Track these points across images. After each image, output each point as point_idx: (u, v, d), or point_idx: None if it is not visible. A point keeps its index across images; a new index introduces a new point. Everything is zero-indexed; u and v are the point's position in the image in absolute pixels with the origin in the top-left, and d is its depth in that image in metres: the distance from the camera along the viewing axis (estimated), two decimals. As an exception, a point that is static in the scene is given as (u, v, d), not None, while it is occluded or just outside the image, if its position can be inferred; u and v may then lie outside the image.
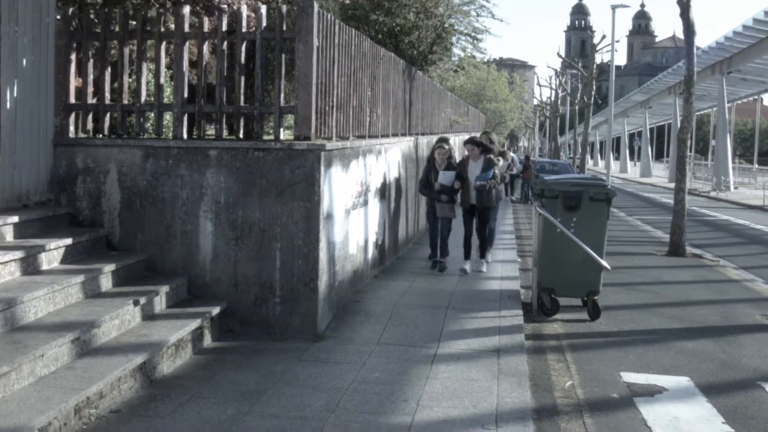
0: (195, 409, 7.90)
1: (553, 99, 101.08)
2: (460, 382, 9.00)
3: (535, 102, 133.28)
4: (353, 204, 12.67)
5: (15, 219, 9.71)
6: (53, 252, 9.65)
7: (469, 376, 9.21)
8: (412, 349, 10.10)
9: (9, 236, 9.62)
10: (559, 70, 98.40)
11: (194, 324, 9.61)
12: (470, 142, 16.32)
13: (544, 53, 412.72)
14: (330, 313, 11.28)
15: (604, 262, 12.46)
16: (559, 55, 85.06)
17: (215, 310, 10.23)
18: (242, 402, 8.14)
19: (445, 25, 35.15)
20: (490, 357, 9.96)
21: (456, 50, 42.52)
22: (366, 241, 13.95)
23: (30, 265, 9.19)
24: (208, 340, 10.08)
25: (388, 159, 16.08)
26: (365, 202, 13.70)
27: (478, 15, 36.05)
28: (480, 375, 9.25)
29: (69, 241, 9.91)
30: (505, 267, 16.99)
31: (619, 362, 10.71)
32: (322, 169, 10.56)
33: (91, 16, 11.71)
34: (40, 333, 7.97)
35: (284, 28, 11.30)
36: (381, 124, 15.81)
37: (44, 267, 9.47)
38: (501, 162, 20.17)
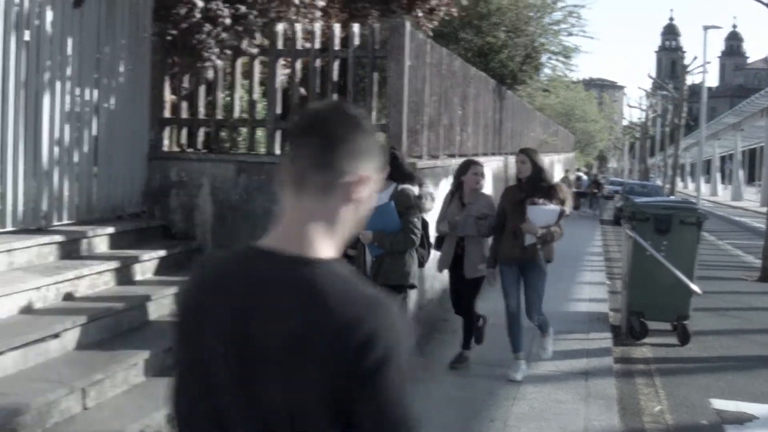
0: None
1: (643, 120, 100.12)
2: (548, 404, 8.97)
3: (625, 123, 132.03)
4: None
5: (110, 230, 9.91)
6: (147, 263, 9.82)
7: (556, 397, 9.18)
8: (499, 369, 10.07)
9: (104, 247, 9.82)
10: (649, 91, 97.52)
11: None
12: (523, 152, 10.16)
13: (634, 74, 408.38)
14: (418, 331, 11.29)
15: (694, 286, 12.30)
16: (650, 76, 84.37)
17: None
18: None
19: (535, 44, 35.04)
20: (578, 379, 9.91)
21: (546, 69, 42.39)
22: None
23: (124, 276, 9.36)
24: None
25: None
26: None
27: (569, 33, 35.93)
28: (568, 397, 9.22)
29: (162, 253, 10.07)
30: (593, 289, 16.87)
31: (708, 388, 10.58)
32: (416, 188, 10.59)
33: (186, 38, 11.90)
34: (134, 342, 8.11)
35: (376, 46, 11.39)
36: (471, 143, 15.84)
37: (138, 278, 9.64)
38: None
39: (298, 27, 11.60)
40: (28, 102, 9.09)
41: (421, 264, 9.14)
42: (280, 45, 11.59)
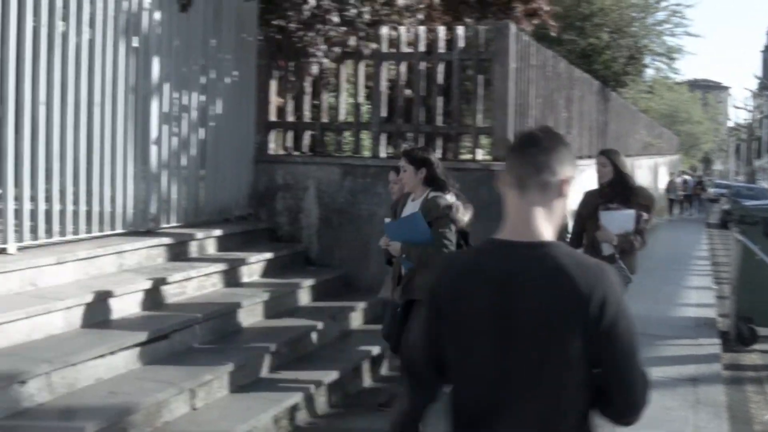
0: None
1: (749, 121, 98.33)
2: (656, 411, 8.74)
3: (730, 124, 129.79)
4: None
5: (218, 232, 10.02)
6: (254, 265, 9.90)
7: (664, 404, 9.01)
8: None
9: (212, 249, 9.92)
10: (755, 91, 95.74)
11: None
12: (604, 153, 9.21)
13: (739, 75, 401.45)
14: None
15: (806, 292, 11.98)
16: (756, 77, 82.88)
17: (410, 328, 10.28)
18: (442, 420, 8.17)
19: (639, 45, 34.58)
20: (687, 386, 9.72)
21: (649, 71, 41.82)
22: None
23: (232, 278, 9.44)
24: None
25: (583, 181, 15.88)
26: (560, 224, 13.56)
27: (672, 34, 35.41)
28: (676, 404, 9.05)
29: (269, 255, 10.14)
30: (700, 293, 16.59)
31: (821, 397, 10.31)
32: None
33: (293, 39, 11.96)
34: (241, 344, 8.17)
35: (481, 49, 11.33)
36: (576, 145, 15.68)
37: (245, 279, 9.71)
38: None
39: (403, 30, 11.59)
40: (137, 106, 9.22)
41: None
42: (384, 48, 11.59)
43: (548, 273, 2.85)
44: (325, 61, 11.36)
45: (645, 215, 8.60)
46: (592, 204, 8.79)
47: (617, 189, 8.69)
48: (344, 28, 11.07)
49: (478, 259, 3.08)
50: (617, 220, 8.55)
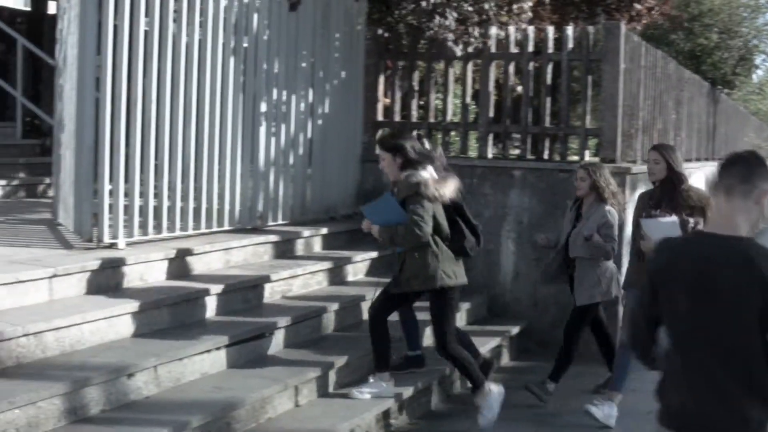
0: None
1: None
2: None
3: None
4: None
5: (324, 231, 10.07)
6: (359, 264, 9.93)
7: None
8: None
9: (317, 247, 9.98)
10: None
11: (494, 342, 9.65)
12: (656, 149, 8.38)
13: None
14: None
15: None
16: None
17: (514, 330, 10.26)
18: (539, 423, 8.11)
19: (749, 46, 33.95)
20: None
21: (759, 71, 41.02)
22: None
23: (337, 276, 9.49)
24: (505, 359, 10.10)
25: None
26: (668, 228, 13.34)
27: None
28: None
29: (374, 254, 10.14)
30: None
31: None
32: (627, 192, 10.39)
33: (402, 38, 11.99)
34: (345, 342, 8.20)
35: (590, 49, 11.22)
36: (685, 147, 15.43)
37: (350, 278, 9.75)
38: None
39: (512, 30, 11.53)
40: (245, 105, 9.31)
41: (467, 255, 7.86)
42: (493, 48, 11.54)
43: (741, 260, 3.72)
44: (457, 52, 11.35)
45: (691, 221, 7.71)
46: (642, 208, 8.16)
47: (667, 190, 7.94)
48: (453, 28, 11.05)
49: (686, 245, 4.09)
50: (660, 228, 7.45)
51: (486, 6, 11.19)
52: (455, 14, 10.85)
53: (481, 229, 8.06)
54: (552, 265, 8.92)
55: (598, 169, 8.64)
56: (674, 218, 7.56)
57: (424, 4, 10.69)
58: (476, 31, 11.25)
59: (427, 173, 7.44)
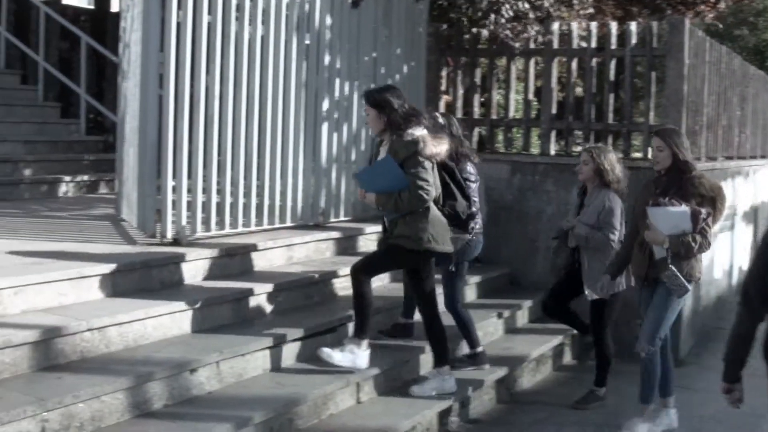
0: (554, 427, 7.87)
1: None
2: None
3: None
4: (720, 227, 12.25)
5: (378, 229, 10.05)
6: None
7: None
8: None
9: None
10: None
11: (556, 340, 9.59)
12: (659, 134, 7.71)
13: None
14: (692, 339, 10.94)
15: None
16: None
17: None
18: (601, 422, 8.04)
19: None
20: None
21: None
22: (731, 266, 13.47)
23: (398, 273, 9.40)
24: (567, 357, 10.03)
25: (756, 182, 15.46)
26: (731, 226, 13.21)
27: None
28: None
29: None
30: None
31: None
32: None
33: (464, 34, 11.95)
34: (407, 339, 8.17)
35: (654, 45, 11.10)
36: (750, 144, 15.26)
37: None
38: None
39: (575, 26, 11.45)
40: (308, 102, 9.31)
41: (459, 219, 7.47)
42: (555, 44, 11.47)
43: None
44: (516, 46, 11.32)
45: (703, 211, 7.17)
46: (645, 198, 7.45)
47: (674, 178, 7.31)
48: (515, 24, 11.01)
49: None
50: (669, 218, 7.17)
51: (545, 3, 11.12)
52: (511, 12, 10.79)
53: (473, 193, 7.73)
54: (558, 254, 8.75)
55: (602, 152, 8.30)
56: (685, 207, 7.14)
57: (479, 6, 10.65)
58: (533, 29, 11.19)
59: (423, 131, 7.07)
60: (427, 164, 6.97)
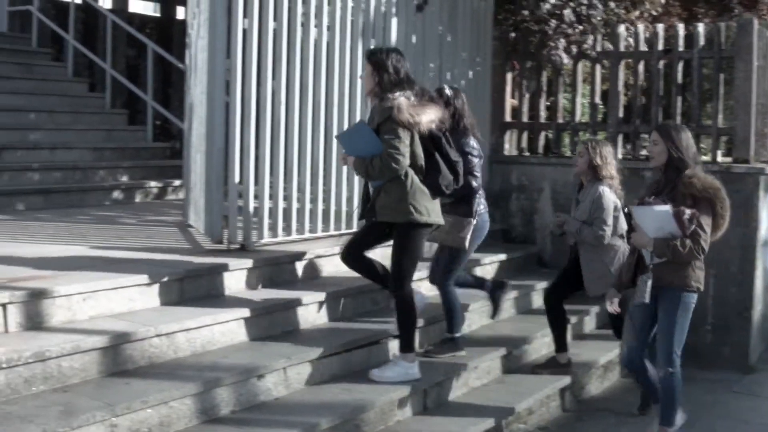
0: (622, 434, 7.82)
1: None
2: None
3: None
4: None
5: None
6: (487, 266, 9.86)
7: None
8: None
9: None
10: None
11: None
12: (657, 129, 7.17)
13: None
14: (762, 344, 10.78)
15: None
16: None
17: (645, 334, 10.06)
18: (672, 430, 7.95)
19: None
20: None
21: None
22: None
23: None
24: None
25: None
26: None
27: None
28: None
29: (503, 256, 10.10)
30: None
31: None
32: (761, 194, 10.14)
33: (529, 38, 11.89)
34: (474, 346, 8.11)
35: (722, 47, 10.96)
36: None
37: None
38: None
39: (641, 28, 11.34)
40: (374, 107, 9.30)
41: (443, 193, 6.91)
42: (621, 47, 11.37)
43: None
44: (564, 59, 11.24)
45: (687, 212, 6.46)
46: (641, 197, 7.02)
47: (670, 176, 6.75)
48: (580, 27, 10.94)
49: None
50: (653, 219, 6.60)
51: (611, 5, 11.03)
52: (573, 17, 10.71)
53: (461, 166, 7.00)
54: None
55: (597, 146, 8.01)
56: (666, 207, 6.52)
57: (544, 9, 10.59)
58: (590, 37, 11.10)
59: (403, 97, 6.72)
60: (403, 132, 6.64)
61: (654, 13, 11.80)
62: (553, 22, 10.71)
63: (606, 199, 7.86)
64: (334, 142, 8.70)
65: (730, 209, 6.75)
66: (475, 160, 7.62)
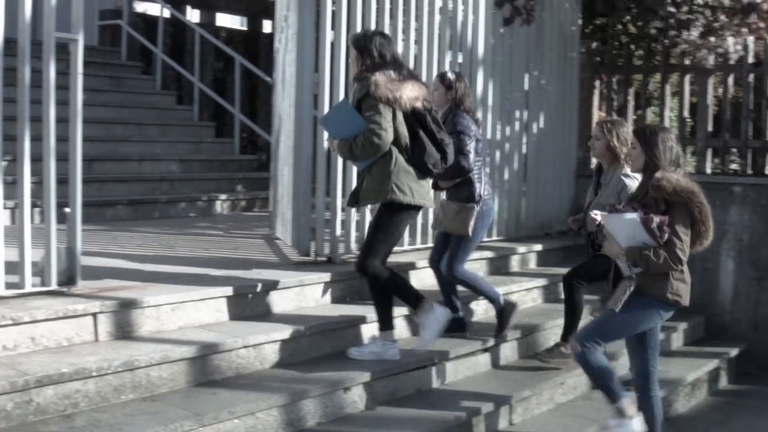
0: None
1: None
2: None
3: None
4: None
5: (538, 247, 9.99)
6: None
7: None
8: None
9: (532, 263, 9.92)
10: None
11: (711, 364, 9.34)
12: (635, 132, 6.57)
13: None
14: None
15: None
16: None
17: (733, 352, 9.90)
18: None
19: None
20: None
21: None
22: None
23: (551, 293, 9.35)
24: (723, 382, 9.76)
25: None
26: None
27: None
28: None
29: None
30: None
31: None
32: None
33: (614, 51, 11.81)
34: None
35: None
36: None
37: (564, 296, 9.59)
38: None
39: (730, 41, 11.17)
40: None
41: (430, 172, 6.70)
42: (711, 61, 11.22)
43: None
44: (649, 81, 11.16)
45: (656, 219, 5.87)
46: (611, 204, 6.62)
47: (646, 180, 6.18)
48: (667, 42, 10.84)
49: None
50: (624, 227, 6.03)
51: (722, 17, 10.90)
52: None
53: (447, 144, 6.72)
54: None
55: (613, 126, 7.49)
56: (632, 215, 5.94)
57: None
58: (727, 43, 10.97)
59: (382, 74, 6.50)
60: (383, 108, 6.41)
61: (762, 25, 11.56)
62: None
63: (634, 182, 7.16)
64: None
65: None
66: (467, 140, 7.33)
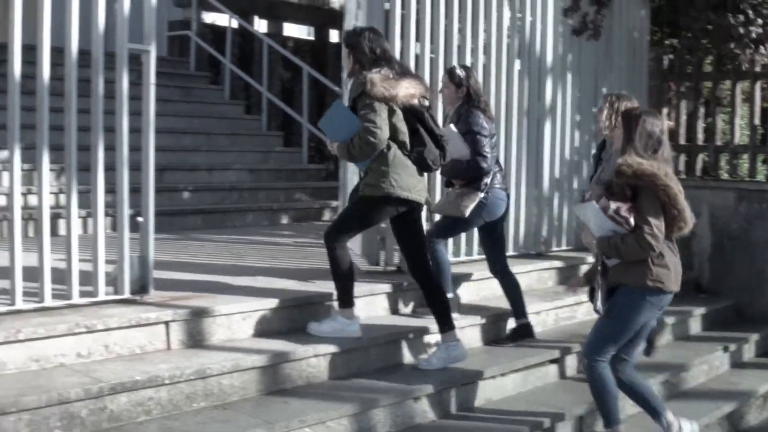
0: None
1: None
2: None
3: None
4: None
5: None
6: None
7: None
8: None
9: (600, 274, 9.83)
10: None
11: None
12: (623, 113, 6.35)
13: None
14: None
15: None
16: None
17: (805, 363, 9.77)
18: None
19: None
20: None
21: None
22: None
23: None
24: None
25: None
26: None
27: None
28: None
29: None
30: None
31: None
32: None
33: (685, 56, 11.71)
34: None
35: None
36: None
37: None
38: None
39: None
40: (530, 129, 9.28)
41: (429, 167, 6.66)
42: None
43: None
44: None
45: (612, 206, 5.73)
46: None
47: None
48: (733, 45, 10.71)
49: None
50: (594, 216, 5.87)
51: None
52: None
53: (446, 140, 6.69)
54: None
55: (617, 100, 7.28)
56: (591, 203, 5.86)
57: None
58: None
59: (377, 72, 6.47)
60: (378, 105, 6.35)
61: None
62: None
63: None
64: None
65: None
66: (484, 140, 7.28)
